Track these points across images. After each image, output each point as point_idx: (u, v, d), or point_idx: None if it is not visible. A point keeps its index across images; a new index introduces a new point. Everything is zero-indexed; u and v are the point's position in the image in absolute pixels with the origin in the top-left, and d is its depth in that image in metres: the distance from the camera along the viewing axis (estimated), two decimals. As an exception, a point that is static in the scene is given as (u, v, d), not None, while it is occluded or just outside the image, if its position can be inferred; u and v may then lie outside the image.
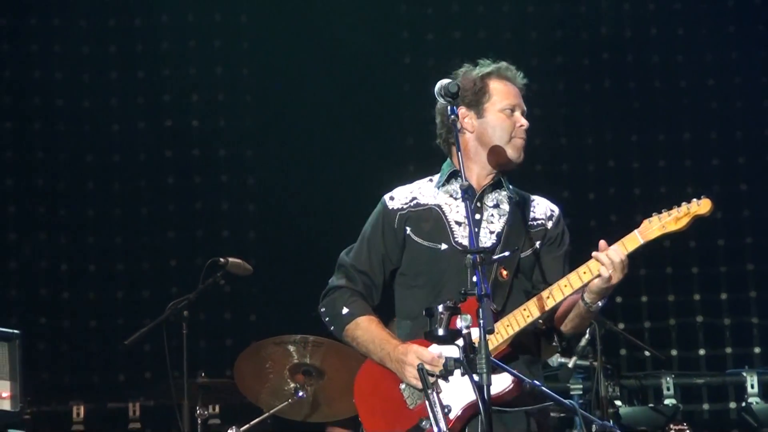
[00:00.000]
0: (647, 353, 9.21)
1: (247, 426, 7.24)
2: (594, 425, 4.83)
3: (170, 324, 7.01)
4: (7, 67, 9.72)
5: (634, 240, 4.82)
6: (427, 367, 4.71)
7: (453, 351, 4.60)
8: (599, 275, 4.74)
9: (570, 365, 7.52)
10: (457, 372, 4.59)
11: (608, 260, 4.68)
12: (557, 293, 4.78)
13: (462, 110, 4.99)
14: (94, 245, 9.63)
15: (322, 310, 5.11)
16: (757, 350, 9.57)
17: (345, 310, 5.01)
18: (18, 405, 6.57)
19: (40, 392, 8.65)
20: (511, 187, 5.06)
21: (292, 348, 7.22)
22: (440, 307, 4.34)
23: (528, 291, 4.89)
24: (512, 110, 5.01)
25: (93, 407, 9.16)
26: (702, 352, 9.60)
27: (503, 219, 4.97)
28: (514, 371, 4.61)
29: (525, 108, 5.06)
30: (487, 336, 4.35)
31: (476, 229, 4.90)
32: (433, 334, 4.35)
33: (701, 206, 4.76)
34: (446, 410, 4.70)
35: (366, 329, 4.96)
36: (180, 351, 6.96)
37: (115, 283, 9.58)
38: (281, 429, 8.01)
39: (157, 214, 9.69)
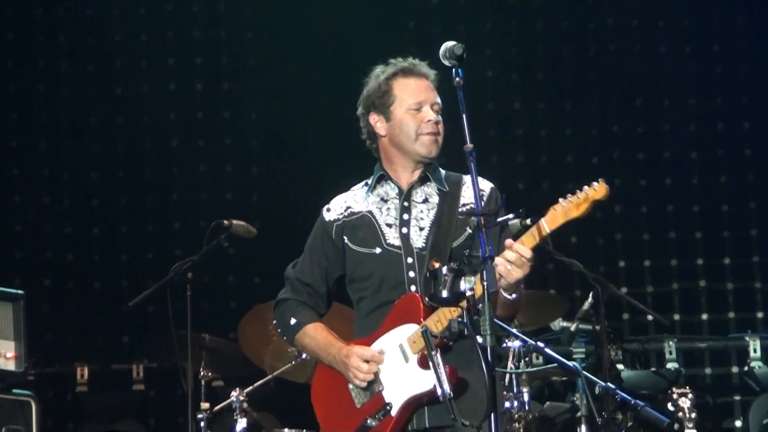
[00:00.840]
0: (650, 317, 9.23)
1: (250, 388, 7.26)
2: (597, 387, 4.84)
3: (174, 286, 7.02)
4: (9, 30, 9.70)
5: (542, 230, 4.73)
6: (365, 367, 4.87)
7: (392, 345, 4.86)
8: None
9: (572, 329, 7.54)
10: (397, 368, 4.84)
11: (503, 261, 4.64)
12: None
13: (373, 116, 5.11)
14: (98, 207, 9.64)
15: (274, 322, 5.30)
16: (760, 315, 9.58)
17: (293, 321, 5.17)
18: (22, 365, 6.59)
19: (44, 353, 8.69)
20: (443, 174, 5.11)
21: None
22: (444, 269, 4.37)
23: (429, 270, 4.83)
24: (418, 108, 5.01)
25: (97, 368, 9.22)
26: (705, 316, 9.61)
27: (432, 213, 5.03)
28: (520, 334, 4.63)
29: (436, 100, 5.04)
30: (422, 333, 4.63)
31: (405, 230, 4.99)
32: (437, 296, 4.37)
33: (598, 191, 4.70)
34: (388, 407, 4.84)
35: (312, 336, 5.13)
36: (184, 313, 6.98)
37: (119, 245, 9.59)
38: (284, 391, 8.04)
39: (161, 176, 9.70)
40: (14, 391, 6.58)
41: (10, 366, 6.56)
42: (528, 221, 5.19)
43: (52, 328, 9.29)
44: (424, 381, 4.75)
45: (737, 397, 9.29)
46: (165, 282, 6.99)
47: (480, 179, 4.99)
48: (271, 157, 9.65)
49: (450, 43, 4.68)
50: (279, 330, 5.27)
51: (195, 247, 7.26)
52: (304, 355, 7.17)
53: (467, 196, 5.05)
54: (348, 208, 5.15)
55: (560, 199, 4.74)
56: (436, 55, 4.71)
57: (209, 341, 7.45)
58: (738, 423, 8.86)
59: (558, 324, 7.69)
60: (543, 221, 4.75)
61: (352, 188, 5.24)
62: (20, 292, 6.71)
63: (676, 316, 9.58)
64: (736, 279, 9.65)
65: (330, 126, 9.25)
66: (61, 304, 9.45)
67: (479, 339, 4.23)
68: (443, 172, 5.14)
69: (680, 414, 6.16)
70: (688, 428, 6.12)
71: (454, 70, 4.65)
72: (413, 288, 4.90)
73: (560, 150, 9.79)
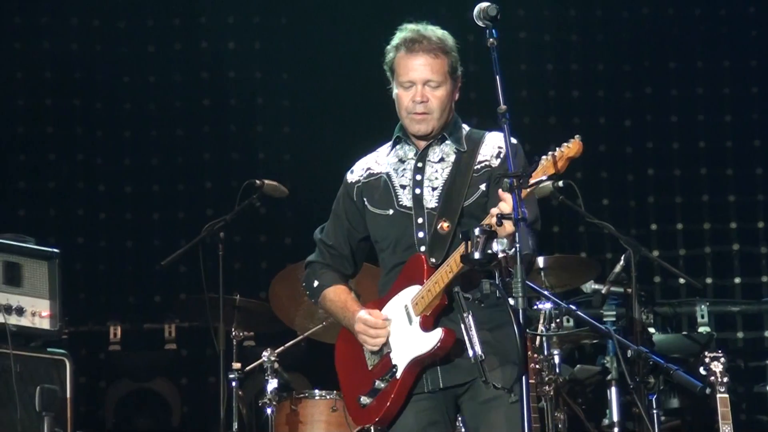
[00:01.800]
0: (682, 281, 9.21)
1: (281, 348, 7.30)
2: (629, 350, 4.83)
3: (206, 245, 7.05)
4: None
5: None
6: (372, 332, 4.92)
7: (399, 307, 4.88)
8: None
9: (604, 291, 7.53)
10: (402, 330, 4.86)
11: (496, 211, 4.54)
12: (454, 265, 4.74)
13: (392, 80, 5.12)
14: (130, 166, 9.67)
15: (303, 284, 5.35)
16: (793, 279, 9.57)
17: (316, 283, 5.24)
18: (57, 324, 6.62)
19: (77, 312, 8.74)
20: (465, 131, 5.09)
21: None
22: (476, 230, 4.35)
23: (462, 232, 4.74)
24: (409, 86, 5.00)
25: (129, 327, 9.28)
26: (737, 280, 9.58)
27: (446, 172, 5.02)
28: (552, 296, 4.62)
29: (429, 77, 4.99)
30: (419, 295, 4.74)
31: (419, 191, 5.00)
32: (469, 258, 4.35)
33: (571, 148, 4.58)
34: (394, 369, 4.87)
35: (331, 299, 5.19)
36: (216, 273, 7.00)
37: (151, 204, 9.63)
38: (315, 352, 8.07)
39: (193, 135, 9.71)
40: (49, 349, 6.62)
41: (45, 324, 6.60)
42: (560, 183, 5.18)
43: (85, 287, 9.33)
44: (425, 342, 4.79)
45: (769, 362, 9.27)
46: (197, 241, 7.02)
47: (499, 136, 4.99)
48: (303, 117, 9.64)
49: (484, 4, 4.62)
50: (307, 293, 5.33)
51: (227, 206, 7.30)
52: (334, 316, 7.20)
53: (484, 153, 5.02)
54: (368, 169, 5.18)
55: (536, 157, 4.66)
56: (470, 15, 4.69)
57: (241, 301, 7.48)
58: (770, 387, 8.84)
59: (589, 287, 7.68)
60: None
61: (378, 149, 5.26)
62: (55, 250, 6.74)
63: (709, 280, 9.55)
64: (770, 243, 9.62)
65: (361, 85, 9.22)
66: (94, 262, 9.49)
67: (511, 301, 4.23)
68: (466, 129, 5.11)
69: (712, 378, 6.16)
70: (720, 392, 6.12)
71: (488, 31, 4.60)
72: (422, 249, 4.91)
73: (593, 112, 9.75)
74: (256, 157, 9.70)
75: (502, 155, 4.97)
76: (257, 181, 7.16)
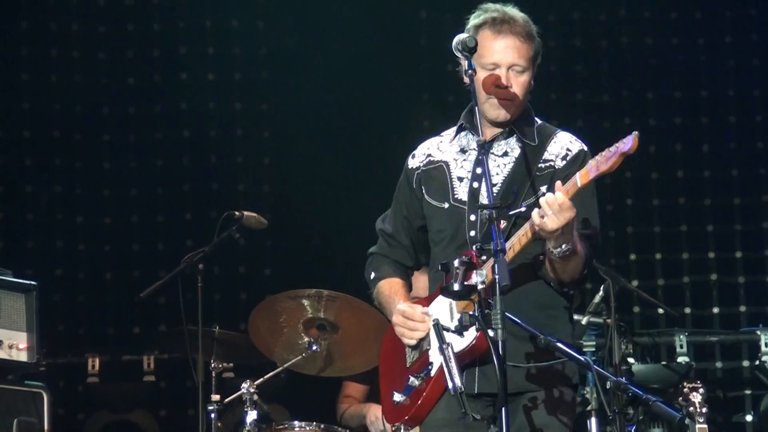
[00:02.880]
0: (661, 311, 9.22)
1: (261, 380, 7.27)
2: (608, 382, 4.83)
3: (185, 277, 7.03)
4: (24, 17, 9.70)
5: (574, 185, 4.58)
6: (410, 324, 4.81)
7: (444, 304, 4.75)
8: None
9: (583, 322, 7.53)
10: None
11: (545, 205, 4.51)
12: (516, 243, 4.66)
13: (462, 60, 4.85)
14: (109, 197, 9.64)
15: (366, 276, 5.23)
16: (771, 309, 9.58)
17: (372, 275, 5.14)
18: (34, 356, 6.60)
19: (55, 344, 8.69)
20: (537, 125, 4.97)
21: (306, 302, 7.24)
22: (456, 262, 4.35)
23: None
24: (493, 68, 4.84)
25: (108, 359, 9.22)
26: (716, 310, 9.60)
27: (508, 168, 4.89)
28: (530, 328, 4.61)
29: (515, 62, 4.84)
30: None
31: (476, 185, 4.85)
32: (449, 290, 4.36)
33: (626, 143, 4.55)
34: (430, 366, 4.77)
35: (382, 293, 5.08)
36: (195, 304, 6.99)
37: (130, 236, 9.60)
38: (295, 383, 8.05)
39: (173, 166, 9.69)
40: (26, 382, 6.59)
41: (23, 357, 6.58)
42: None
43: (63, 319, 9.29)
44: (459, 341, 4.63)
45: (748, 392, 9.27)
46: (176, 273, 7.01)
47: (568, 136, 4.97)
48: (283, 148, 9.64)
49: (462, 36, 4.67)
50: (370, 287, 5.20)
51: (206, 238, 7.28)
52: (314, 347, 7.18)
53: (552, 151, 4.91)
54: (428, 156, 5.04)
55: (595, 156, 4.62)
56: (449, 45, 4.70)
57: (220, 333, 7.46)
58: (749, 417, 8.84)
59: (568, 317, 7.67)
60: (577, 175, 4.59)
61: (445, 132, 5.11)
62: (33, 282, 6.73)
63: (687, 310, 9.57)
64: (748, 272, 9.63)
65: (342, 118, 9.26)
66: (73, 294, 9.45)
67: (490, 333, 4.22)
68: (537, 122, 4.98)
69: (691, 408, 6.15)
70: (699, 422, 6.11)
71: (467, 62, 4.63)
72: (474, 248, 4.67)
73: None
74: (235, 188, 9.68)
75: (569, 158, 4.86)
76: (236, 213, 7.16)
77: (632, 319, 9.34)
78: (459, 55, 4.67)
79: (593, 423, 7.50)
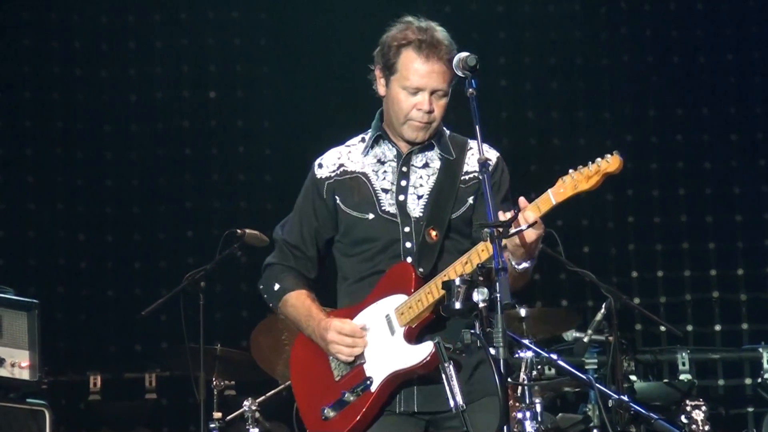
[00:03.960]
0: (663, 328, 9.21)
1: (262, 397, 7.28)
2: (610, 400, 4.82)
3: (187, 295, 7.03)
4: (25, 36, 9.72)
5: (547, 201, 4.52)
6: (348, 340, 4.67)
7: (378, 316, 4.67)
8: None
9: (585, 340, 7.53)
10: (381, 340, 4.65)
11: (522, 221, 4.43)
12: (475, 257, 4.54)
13: (377, 71, 4.88)
14: (111, 215, 9.65)
15: (261, 287, 5.08)
16: (772, 326, 9.57)
17: (276, 286, 4.95)
18: (36, 374, 6.60)
19: (57, 362, 8.69)
20: (448, 134, 4.89)
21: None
22: (457, 281, 4.31)
23: (464, 250, 4.63)
24: (415, 92, 4.75)
25: (110, 377, 9.22)
26: (718, 327, 9.59)
27: (432, 179, 4.82)
28: (533, 345, 4.60)
29: (439, 87, 4.73)
30: (407, 305, 4.52)
31: (402, 197, 4.78)
32: (450, 308, 4.32)
33: (611, 163, 4.51)
34: (368, 381, 4.65)
35: (293, 305, 4.90)
36: (196, 322, 6.98)
37: (132, 253, 9.61)
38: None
39: (175, 184, 9.71)
40: (28, 400, 6.58)
41: (25, 375, 6.57)
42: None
43: (65, 336, 9.29)
44: (409, 356, 4.59)
45: (750, 409, 9.27)
46: (178, 291, 7.00)
47: (486, 146, 4.78)
48: (285, 166, 9.64)
49: (463, 54, 4.60)
50: (265, 296, 5.04)
51: (208, 255, 7.27)
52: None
53: (471, 164, 4.83)
54: (341, 166, 4.92)
55: (570, 170, 4.56)
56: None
57: (221, 350, 7.46)
58: (750, 435, 8.85)
59: (571, 335, 7.68)
60: (550, 192, 4.54)
61: (348, 142, 5.03)
62: (34, 301, 6.73)
63: (689, 327, 9.57)
64: (750, 290, 9.63)
65: (344, 133, 9.24)
66: (74, 312, 9.46)
67: (492, 351, 4.21)
68: (448, 133, 4.91)
69: (693, 426, 6.17)
70: (701, 440, 6.12)
71: (467, 81, 4.56)
72: (409, 259, 4.70)
73: (574, 160, 9.75)
74: (237, 206, 9.69)
75: (490, 167, 4.69)
76: (238, 231, 7.15)
77: (634, 336, 9.34)
78: (460, 74, 4.63)
79: (595, 441, 7.50)
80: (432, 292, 4.59)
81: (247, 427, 7.13)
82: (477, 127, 4.52)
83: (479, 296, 4.24)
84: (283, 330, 7.25)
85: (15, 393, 6.56)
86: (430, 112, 4.76)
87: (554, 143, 9.87)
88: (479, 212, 4.74)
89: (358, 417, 4.64)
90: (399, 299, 4.66)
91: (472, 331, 4.29)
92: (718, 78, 9.85)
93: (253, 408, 7.15)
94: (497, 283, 4.21)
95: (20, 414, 6.51)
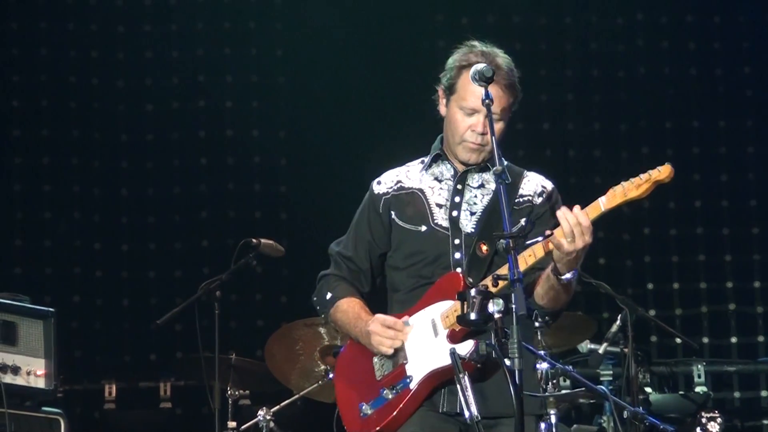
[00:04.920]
0: (678, 340, 9.19)
1: (277, 407, 7.28)
2: (625, 411, 4.82)
3: (202, 304, 7.04)
4: (42, 44, 9.76)
5: (596, 208, 4.71)
6: (390, 332, 4.77)
7: (425, 319, 4.75)
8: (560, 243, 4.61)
9: (600, 351, 7.51)
10: (425, 342, 4.74)
11: (569, 227, 4.59)
12: (521, 263, 4.59)
13: (440, 92, 5.03)
14: (127, 224, 9.67)
15: (314, 299, 5.19)
16: (790, 339, 9.55)
17: (329, 295, 5.07)
18: (52, 383, 6.59)
19: (72, 370, 8.71)
20: (505, 163, 4.89)
21: (322, 330, 7.25)
22: (473, 291, 4.33)
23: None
24: (471, 113, 4.90)
25: (124, 386, 9.23)
26: (734, 340, 9.57)
27: (486, 199, 4.96)
28: (548, 357, 4.60)
29: (497, 111, 4.82)
30: (452, 309, 4.62)
31: (456, 213, 4.92)
32: (465, 319, 4.34)
33: (662, 172, 4.74)
34: (408, 379, 4.73)
35: (344, 311, 5.01)
36: (211, 331, 6.98)
37: (147, 263, 9.62)
38: (311, 411, 8.03)
39: (190, 194, 9.72)
40: (44, 408, 6.59)
41: (40, 383, 6.57)
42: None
43: (80, 345, 9.30)
44: (440, 358, 4.66)
45: (766, 422, 9.24)
46: (193, 300, 7.01)
47: (540, 176, 5.09)
48: (300, 176, 9.66)
49: (480, 65, 4.67)
50: (317, 307, 5.16)
51: (223, 265, 7.28)
52: (330, 375, 7.18)
53: (527, 189, 5.01)
54: (399, 182, 5.08)
55: (622, 182, 4.73)
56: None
57: (236, 360, 7.47)
58: (766, 447, 8.82)
59: (586, 346, 7.67)
60: (600, 199, 4.71)
61: (408, 163, 5.17)
62: (51, 309, 6.72)
63: (705, 339, 9.54)
64: (766, 302, 9.61)
65: (359, 144, 9.26)
66: (90, 320, 9.47)
67: (507, 362, 4.21)
68: (506, 162, 4.92)
69: (709, 438, 6.14)
70: (717, 452, 6.10)
71: (484, 91, 4.63)
72: (459, 270, 4.83)
73: (589, 171, 9.77)
74: (252, 215, 9.70)
75: (544, 195, 4.99)
76: (254, 240, 7.16)
77: (650, 348, 9.31)
78: (476, 84, 4.67)
79: (610, 452, 7.48)
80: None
81: (262, 436, 7.13)
82: (493, 138, 4.60)
83: (495, 307, 4.26)
84: (298, 340, 7.26)
85: (31, 401, 6.56)
86: (484, 134, 4.88)
87: (570, 155, 9.87)
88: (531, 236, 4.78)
89: (394, 413, 4.72)
90: (445, 305, 4.78)
91: (488, 341, 4.31)
92: (735, 91, 9.83)
93: (268, 418, 7.16)
94: (513, 294, 4.22)
95: (36, 422, 6.51)
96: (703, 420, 6.22)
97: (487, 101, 4.60)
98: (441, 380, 4.73)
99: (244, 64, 9.86)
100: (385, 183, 5.12)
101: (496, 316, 4.26)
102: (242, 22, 9.88)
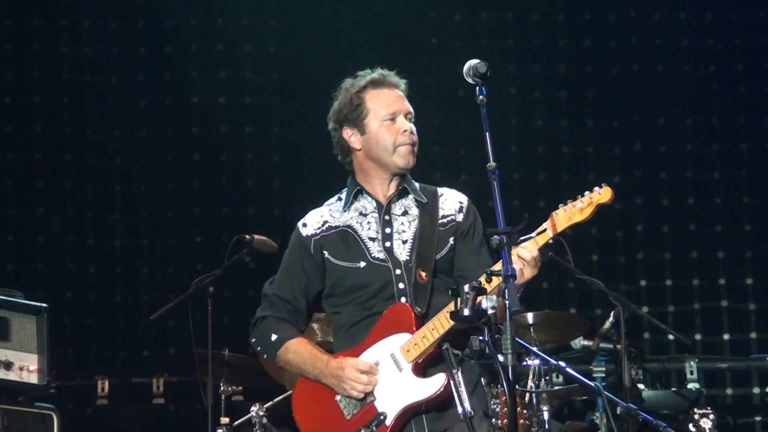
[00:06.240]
0: (671, 337, 9.20)
1: (270, 403, 7.27)
2: (618, 407, 4.82)
3: (195, 300, 7.03)
4: (35, 41, 9.76)
5: (545, 235, 4.77)
6: (364, 378, 4.81)
7: (383, 355, 4.83)
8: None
9: (593, 348, 7.52)
10: (389, 377, 4.80)
11: (520, 259, 4.67)
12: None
13: (346, 131, 5.11)
14: (120, 220, 9.67)
15: (253, 340, 5.19)
16: (782, 336, 9.56)
17: (274, 337, 5.07)
18: (45, 378, 6.59)
19: (65, 366, 8.70)
20: (418, 186, 5.11)
21: (315, 326, 7.23)
22: (466, 287, 4.34)
23: (451, 288, 4.71)
24: (392, 118, 5.01)
25: (117, 382, 9.23)
26: (726, 336, 9.59)
27: (413, 225, 5.01)
28: (541, 353, 4.61)
29: (410, 109, 5.04)
30: (412, 342, 4.72)
31: (388, 244, 4.97)
32: (459, 315, 4.35)
33: (602, 194, 4.80)
34: (382, 416, 4.79)
35: (296, 351, 5.03)
36: (204, 327, 6.99)
37: (140, 259, 9.62)
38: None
39: (183, 190, 9.72)
40: (36, 404, 6.59)
41: (33, 379, 6.57)
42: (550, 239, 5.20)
43: (73, 341, 9.31)
44: (420, 389, 4.75)
45: (758, 418, 9.26)
46: (186, 296, 7.01)
47: (453, 191, 5.14)
48: (293, 172, 9.66)
49: (474, 61, 4.64)
50: (258, 348, 5.17)
51: (216, 261, 7.28)
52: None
53: (446, 208, 5.05)
54: (325, 222, 5.10)
55: (560, 205, 4.79)
56: (460, 71, 4.70)
57: (229, 356, 7.46)
58: (759, 444, 8.84)
59: (578, 343, 7.67)
60: (545, 225, 4.76)
61: (325, 203, 5.22)
62: (44, 305, 6.73)
63: (698, 336, 9.56)
64: (759, 299, 9.62)
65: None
66: (83, 316, 9.47)
67: (500, 358, 4.22)
68: (417, 183, 5.13)
69: (701, 434, 6.15)
70: (709, 449, 6.11)
71: (477, 88, 4.60)
72: (403, 299, 4.88)
73: (582, 168, 9.79)
74: (246, 212, 9.71)
75: (464, 210, 5.05)
76: (247, 236, 7.15)
77: (642, 345, 9.32)
78: (470, 81, 4.67)
79: (603, 449, 7.49)
80: (437, 328, 4.76)
81: (255, 432, 7.13)
82: (487, 134, 4.58)
83: (488, 303, 4.27)
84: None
85: (23, 397, 6.56)
86: (413, 132, 5.01)
87: (563, 152, 9.87)
88: (463, 257, 4.99)
89: None
90: (402, 338, 4.83)
91: (481, 338, 4.31)
92: (728, 88, 9.84)
93: (261, 414, 7.15)
94: (506, 290, 4.23)
95: (28, 418, 6.51)
96: (696, 416, 6.22)
97: (481, 97, 4.59)
98: (414, 413, 4.80)
99: (237, 60, 9.85)
100: (311, 225, 5.13)
101: (490, 312, 4.27)
102: (236, 18, 9.87)
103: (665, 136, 9.84)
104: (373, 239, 5.00)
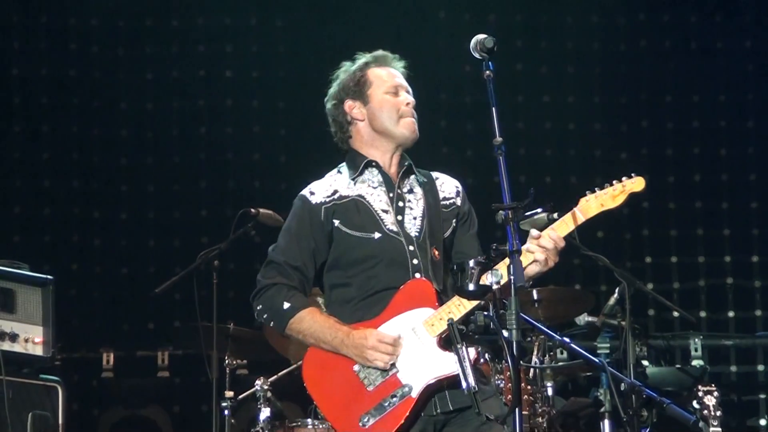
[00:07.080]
0: (676, 314, 9.21)
1: (274, 377, 7.29)
2: (622, 384, 4.83)
3: (200, 273, 7.04)
4: (43, 12, 9.75)
5: (576, 219, 4.81)
6: (390, 348, 4.77)
7: (404, 328, 4.79)
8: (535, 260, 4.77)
9: (598, 324, 7.52)
10: (413, 351, 4.77)
11: (544, 246, 4.73)
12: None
13: (348, 103, 5.16)
14: (126, 193, 9.68)
15: (259, 307, 5.08)
16: (787, 313, 9.57)
17: (286, 305, 4.98)
18: (50, 350, 6.60)
19: (70, 338, 8.73)
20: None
21: (321, 300, 7.19)
22: (471, 262, 4.34)
23: (456, 263, 4.69)
24: (395, 91, 5.08)
25: (122, 354, 9.26)
26: (731, 314, 9.59)
27: (420, 203, 5.03)
28: (546, 329, 4.62)
29: (409, 88, 5.13)
30: (437, 317, 4.70)
31: (401, 217, 4.97)
32: (464, 289, 4.35)
33: (636, 184, 4.86)
34: (407, 388, 4.76)
35: (312, 321, 4.94)
36: (210, 301, 6.99)
37: (146, 231, 9.63)
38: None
39: (189, 163, 9.72)
40: (41, 376, 6.60)
41: (38, 351, 6.58)
42: (555, 215, 5.22)
43: (78, 313, 9.32)
44: (446, 364, 4.70)
45: (762, 396, 9.27)
46: (191, 269, 7.01)
47: (447, 176, 5.19)
48: (299, 146, 9.65)
49: (481, 36, 4.63)
50: (265, 316, 5.04)
51: (222, 234, 7.27)
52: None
53: (446, 191, 5.11)
54: (335, 191, 5.07)
55: (595, 189, 4.83)
56: (467, 46, 4.69)
57: (234, 330, 7.47)
58: (763, 422, 8.84)
59: (583, 319, 7.68)
60: (577, 211, 4.80)
61: (328, 175, 5.20)
62: (49, 277, 6.73)
63: (703, 313, 9.56)
64: (764, 277, 9.62)
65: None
66: (88, 289, 9.49)
67: (505, 333, 4.22)
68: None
69: (705, 411, 6.14)
70: (713, 426, 6.10)
71: (484, 63, 4.59)
72: (418, 275, 4.86)
73: (589, 144, 9.78)
74: (252, 185, 9.70)
75: (460, 195, 5.12)
76: (252, 210, 7.14)
77: (647, 321, 9.34)
78: (477, 56, 4.65)
79: (607, 425, 7.49)
80: (463, 303, 4.72)
81: (259, 406, 7.13)
82: (494, 109, 4.57)
83: (493, 278, 4.27)
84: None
85: (28, 368, 6.57)
86: (414, 108, 5.08)
87: (570, 128, 9.86)
88: (463, 241, 5.06)
89: (402, 420, 4.74)
90: (425, 312, 4.80)
91: (486, 313, 4.32)
92: (736, 65, 9.82)
93: (265, 387, 7.16)
94: (511, 266, 4.23)
95: (33, 390, 6.53)
96: (700, 393, 6.19)
97: (488, 72, 4.58)
98: (439, 387, 4.76)
99: (244, 33, 9.83)
100: (319, 193, 5.09)
101: (495, 287, 4.27)
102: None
103: (672, 113, 9.83)
104: (385, 211, 4.99)
